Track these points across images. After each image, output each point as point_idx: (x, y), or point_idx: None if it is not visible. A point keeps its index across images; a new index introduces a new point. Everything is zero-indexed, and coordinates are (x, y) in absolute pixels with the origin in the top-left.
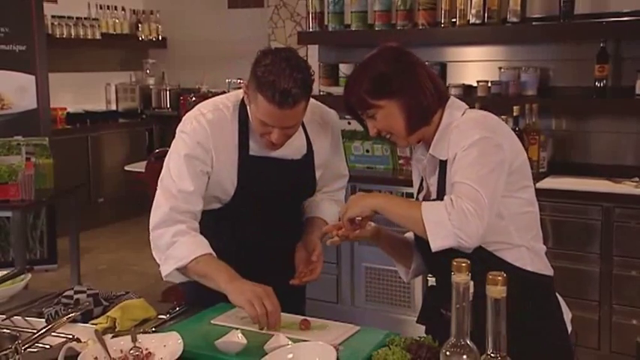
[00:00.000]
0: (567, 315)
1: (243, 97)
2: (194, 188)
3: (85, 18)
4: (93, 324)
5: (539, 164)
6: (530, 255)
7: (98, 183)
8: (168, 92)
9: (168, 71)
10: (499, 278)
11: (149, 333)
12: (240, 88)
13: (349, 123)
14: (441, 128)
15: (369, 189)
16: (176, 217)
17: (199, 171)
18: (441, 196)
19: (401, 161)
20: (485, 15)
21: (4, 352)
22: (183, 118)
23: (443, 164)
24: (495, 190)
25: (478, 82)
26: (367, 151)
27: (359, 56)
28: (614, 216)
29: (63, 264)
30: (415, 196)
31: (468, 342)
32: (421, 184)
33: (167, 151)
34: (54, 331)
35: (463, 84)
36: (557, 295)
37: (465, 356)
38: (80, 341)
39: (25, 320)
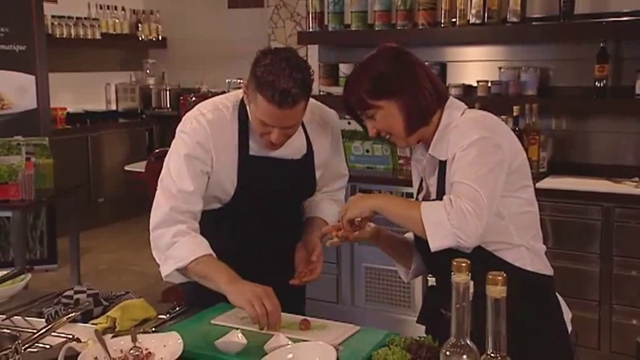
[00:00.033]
0: (567, 315)
1: (242, 97)
2: (194, 188)
3: (85, 18)
4: (93, 324)
5: (539, 164)
6: (530, 255)
7: (98, 183)
8: (168, 92)
9: (168, 71)
10: (499, 278)
11: (149, 333)
12: (240, 88)
13: (349, 123)
14: (440, 128)
15: (369, 189)
16: (176, 218)
17: (199, 171)
18: (440, 196)
19: (401, 161)
20: (485, 15)
21: (4, 352)
22: (183, 118)
23: (442, 164)
24: (494, 189)
25: (478, 82)
26: (367, 151)
27: (359, 56)
28: (614, 216)
29: (63, 264)
30: (415, 196)
31: (468, 342)
32: (421, 184)
33: (167, 151)
34: (54, 331)
35: (463, 84)
36: (558, 294)
37: (465, 356)
38: (80, 341)
39: (25, 320)
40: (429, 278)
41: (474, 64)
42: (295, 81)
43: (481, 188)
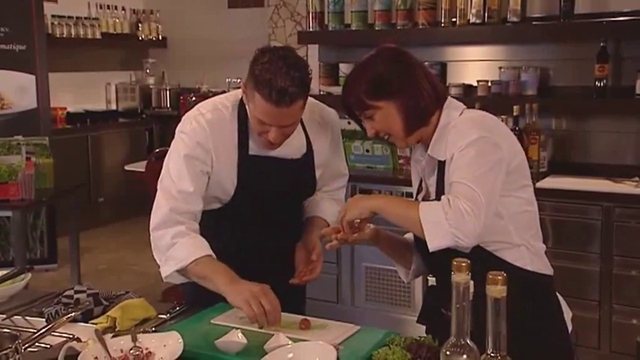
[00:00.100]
0: (568, 314)
1: (242, 97)
2: (194, 189)
3: (85, 18)
4: (93, 323)
5: (540, 164)
6: (530, 254)
7: (98, 183)
8: (168, 92)
9: (168, 71)
10: (499, 278)
11: (149, 333)
12: (240, 87)
13: (349, 123)
14: (439, 129)
15: (369, 189)
16: (176, 218)
17: (199, 171)
18: (440, 196)
19: (401, 161)
20: (486, 15)
21: (4, 352)
22: (183, 119)
23: (441, 164)
24: (493, 189)
25: (478, 81)
26: (367, 150)
27: (359, 56)
28: (614, 216)
29: (63, 264)
30: (414, 196)
31: (468, 342)
32: (420, 184)
33: (167, 150)
34: (54, 331)
35: (463, 84)
36: (558, 294)
37: (465, 356)
38: (80, 341)
39: (25, 320)
40: (429, 278)
41: (474, 64)
42: (293, 79)
43: (479, 188)
